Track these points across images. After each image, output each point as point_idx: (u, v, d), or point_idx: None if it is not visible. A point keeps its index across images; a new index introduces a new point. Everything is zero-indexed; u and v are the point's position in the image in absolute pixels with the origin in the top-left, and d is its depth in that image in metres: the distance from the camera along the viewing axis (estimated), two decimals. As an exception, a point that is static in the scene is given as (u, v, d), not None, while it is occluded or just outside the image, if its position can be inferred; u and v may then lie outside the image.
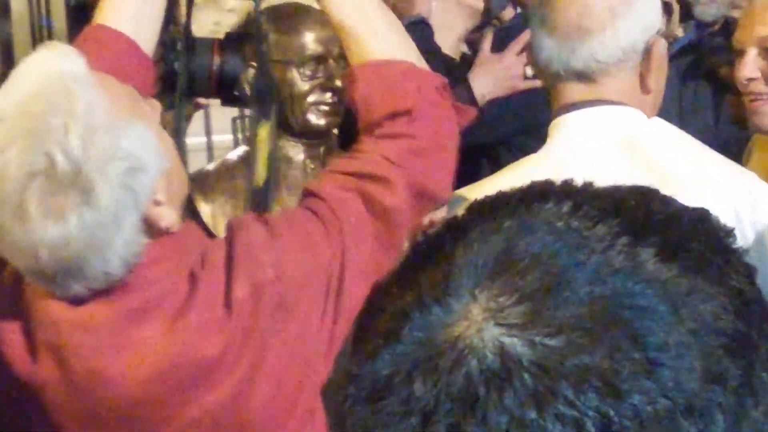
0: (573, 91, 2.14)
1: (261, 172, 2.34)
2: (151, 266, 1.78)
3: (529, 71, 3.04)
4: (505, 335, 0.76)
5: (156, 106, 1.85)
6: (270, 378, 1.84)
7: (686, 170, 2.12)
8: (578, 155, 2.09)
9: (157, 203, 1.74)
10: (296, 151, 2.80)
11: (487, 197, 0.87)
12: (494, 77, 3.14)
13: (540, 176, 1.90)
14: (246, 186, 2.37)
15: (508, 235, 0.80)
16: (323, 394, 1.77)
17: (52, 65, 1.71)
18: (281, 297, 1.83)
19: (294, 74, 2.76)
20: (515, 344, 0.75)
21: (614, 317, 0.76)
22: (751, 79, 2.92)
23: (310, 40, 2.79)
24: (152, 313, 1.79)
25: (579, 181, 0.86)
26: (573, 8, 2.12)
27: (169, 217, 1.77)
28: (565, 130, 2.16)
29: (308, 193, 1.97)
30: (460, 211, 0.86)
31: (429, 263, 0.82)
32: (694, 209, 0.85)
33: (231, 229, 1.88)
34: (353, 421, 0.80)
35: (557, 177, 0.87)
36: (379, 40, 2.08)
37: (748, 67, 2.91)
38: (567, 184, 0.86)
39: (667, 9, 2.61)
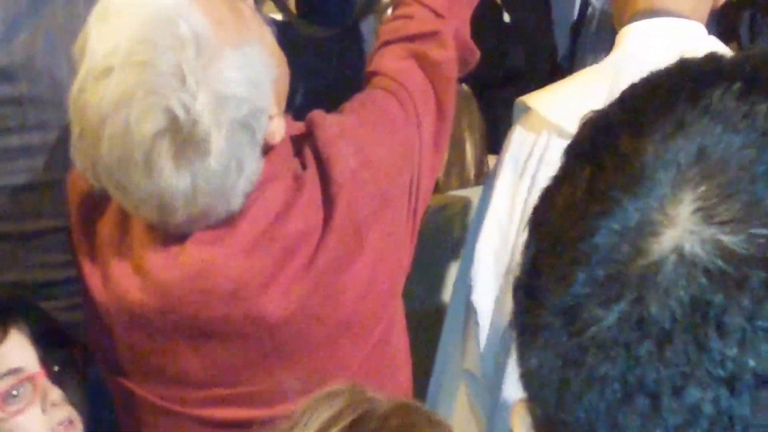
0: None
1: None
2: (266, 186, 1.76)
3: None
4: (722, 233, 0.71)
5: (250, 2, 1.81)
6: (367, 269, 1.82)
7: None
8: (637, 67, 2.15)
9: (270, 118, 1.72)
10: None
11: (638, 87, 0.81)
12: None
13: (603, 86, 2.03)
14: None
15: (696, 129, 0.74)
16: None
17: (148, 1, 1.64)
18: (373, 184, 1.83)
19: None
20: (736, 242, 0.70)
21: None
22: None
23: None
24: (259, 226, 1.77)
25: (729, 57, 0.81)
26: None
27: (280, 129, 1.75)
28: (631, 39, 2.20)
29: (372, 73, 1.96)
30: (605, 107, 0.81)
31: (606, 167, 0.76)
32: None
33: (310, 125, 1.85)
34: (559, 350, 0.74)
35: (617, 88, 0.82)
36: None
37: None
38: (726, 63, 0.80)
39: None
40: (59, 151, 1.98)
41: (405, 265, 1.89)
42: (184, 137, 1.60)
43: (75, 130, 1.67)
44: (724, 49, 2.26)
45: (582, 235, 0.73)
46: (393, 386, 1.88)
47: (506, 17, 3.42)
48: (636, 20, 2.21)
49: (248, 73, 1.65)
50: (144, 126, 1.60)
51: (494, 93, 3.33)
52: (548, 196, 0.79)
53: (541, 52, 3.27)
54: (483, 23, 2.77)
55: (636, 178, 0.73)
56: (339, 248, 1.78)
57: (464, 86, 3.03)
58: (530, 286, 0.76)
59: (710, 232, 0.71)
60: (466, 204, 2.85)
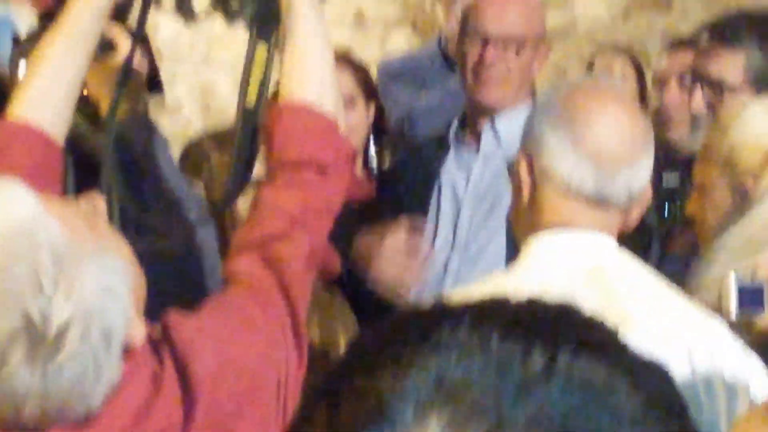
0: (581, 212, 2.16)
1: (252, 96, 2.25)
2: (124, 386, 1.75)
3: None
4: None
5: (96, 201, 1.84)
6: None
7: (645, 309, 2.13)
8: (545, 279, 2.11)
9: (129, 322, 1.73)
10: None
11: (369, 333, 0.85)
12: None
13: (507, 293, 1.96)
14: (237, 112, 2.28)
15: (430, 361, 0.78)
16: None
17: (3, 213, 1.67)
18: (235, 382, 1.83)
19: None
20: None
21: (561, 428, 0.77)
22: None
23: None
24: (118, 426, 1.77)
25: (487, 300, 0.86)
26: (615, 135, 2.15)
27: (140, 331, 1.76)
28: (536, 251, 2.17)
29: (228, 276, 1.99)
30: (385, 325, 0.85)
31: (342, 405, 0.79)
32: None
33: (166, 327, 1.86)
34: None
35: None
36: (317, 85, 2.11)
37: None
38: (453, 304, 0.85)
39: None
40: None
41: None
42: (38, 340, 1.61)
43: None
44: (637, 264, 2.19)
45: None
46: None
47: None
48: (542, 233, 2.17)
49: (105, 281, 1.66)
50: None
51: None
52: None
53: None
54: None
55: (375, 413, 0.75)
56: None
57: (337, 292, 2.99)
58: None
59: None
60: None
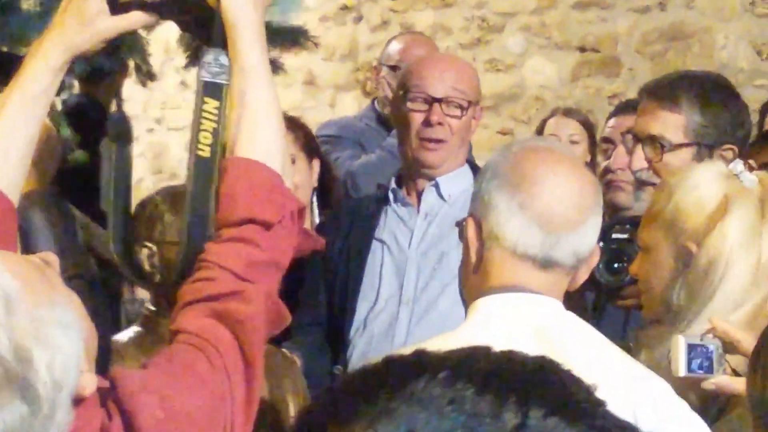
0: (527, 275, 2.18)
1: (205, 146, 2.24)
2: None
3: None
4: None
5: (49, 257, 1.84)
6: None
7: (591, 369, 2.15)
8: (491, 340, 2.12)
9: (81, 373, 1.71)
10: None
11: (345, 382, 0.85)
12: None
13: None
14: (189, 162, 2.27)
15: (401, 415, 0.78)
16: None
17: None
18: None
19: None
20: None
21: None
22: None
23: None
24: None
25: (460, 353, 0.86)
26: (562, 199, 2.18)
27: (91, 383, 1.75)
28: (483, 312, 2.18)
29: (176, 332, 1.98)
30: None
31: None
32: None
33: (112, 380, 1.86)
34: None
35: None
36: (264, 143, 2.13)
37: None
38: (431, 356, 0.85)
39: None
40: None
41: None
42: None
43: None
44: (582, 324, 2.22)
45: None
46: None
47: None
48: (489, 295, 2.18)
49: (62, 333, 1.64)
50: None
51: None
52: None
53: None
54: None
55: None
56: None
57: (285, 350, 3.02)
58: None
59: None
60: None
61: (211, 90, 2.23)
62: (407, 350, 0.85)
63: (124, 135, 2.31)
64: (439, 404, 0.78)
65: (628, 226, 2.65)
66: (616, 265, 2.87)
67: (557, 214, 2.17)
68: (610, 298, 2.97)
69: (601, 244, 2.90)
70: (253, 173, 2.11)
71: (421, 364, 0.82)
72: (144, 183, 6.62)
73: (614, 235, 2.93)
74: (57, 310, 1.68)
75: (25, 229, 2.36)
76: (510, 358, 0.85)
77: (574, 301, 3.02)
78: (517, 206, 2.17)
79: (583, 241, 2.20)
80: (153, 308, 2.87)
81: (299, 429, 0.81)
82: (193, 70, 2.44)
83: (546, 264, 2.18)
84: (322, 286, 3.33)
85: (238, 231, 2.05)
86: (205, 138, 2.23)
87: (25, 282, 1.68)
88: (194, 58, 2.41)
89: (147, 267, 2.79)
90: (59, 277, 1.80)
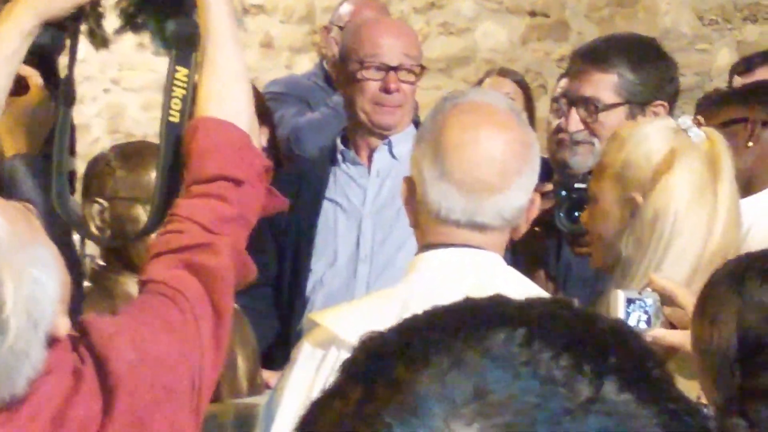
0: (456, 234, 2.22)
1: (175, 112, 2.32)
2: (47, 376, 1.79)
3: None
4: None
5: (27, 205, 1.90)
6: None
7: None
8: (427, 294, 2.13)
9: (56, 313, 1.78)
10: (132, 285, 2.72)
11: (419, 320, 0.81)
12: None
13: (392, 309, 2.07)
14: (161, 128, 2.33)
15: (474, 369, 0.76)
16: None
17: None
18: (153, 376, 1.89)
19: (140, 211, 2.78)
20: None
21: None
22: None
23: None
24: (41, 415, 1.81)
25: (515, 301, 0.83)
26: (483, 164, 2.21)
27: (65, 325, 1.81)
28: (424, 267, 2.24)
29: (146, 281, 2.03)
30: (384, 330, 0.81)
31: (378, 392, 0.76)
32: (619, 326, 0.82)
33: (83, 328, 1.90)
34: None
35: (406, 313, 0.83)
36: (232, 103, 2.20)
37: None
38: (512, 307, 0.81)
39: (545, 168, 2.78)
40: None
41: None
42: None
43: None
44: (523, 280, 2.33)
45: None
46: None
47: None
48: (430, 249, 2.24)
49: (40, 271, 1.72)
50: None
51: None
52: (318, 408, 0.78)
53: None
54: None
55: (409, 408, 0.73)
56: None
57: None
58: None
59: None
60: (238, 411, 2.84)
61: (182, 58, 2.31)
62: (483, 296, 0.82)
63: (69, 97, 2.41)
64: (514, 364, 0.75)
65: (590, 176, 2.74)
66: (576, 214, 2.94)
67: (478, 180, 2.21)
68: (571, 244, 3.06)
69: (564, 193, 3.01)
70: (222, 132, 2.17)
71: (501, 316, 0.79)
72: (101, 143, 6.67)
73: (576, 185, 3.02)
74: (39, 250, 1.75)
75: (12, 190, 2.45)
76: (589, 319, 0.80)
77: (535, 247, 3.14)
78: (438, 173, 2.21)
79: (507, 204, 2.22)
80: (102, 263, 2.91)
81: (371, 362, 0.78)
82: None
83: (471, 227, 2.22)
84: (271, 247, 3.38)
85: (208, 187, 2.11)
86: (176, 104, 2.30)
87: (12, 222, 1.75)
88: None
89: (98, 222, 2.83)
90: (40, 224, 1.85)
